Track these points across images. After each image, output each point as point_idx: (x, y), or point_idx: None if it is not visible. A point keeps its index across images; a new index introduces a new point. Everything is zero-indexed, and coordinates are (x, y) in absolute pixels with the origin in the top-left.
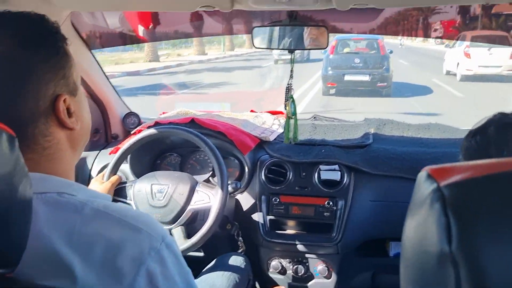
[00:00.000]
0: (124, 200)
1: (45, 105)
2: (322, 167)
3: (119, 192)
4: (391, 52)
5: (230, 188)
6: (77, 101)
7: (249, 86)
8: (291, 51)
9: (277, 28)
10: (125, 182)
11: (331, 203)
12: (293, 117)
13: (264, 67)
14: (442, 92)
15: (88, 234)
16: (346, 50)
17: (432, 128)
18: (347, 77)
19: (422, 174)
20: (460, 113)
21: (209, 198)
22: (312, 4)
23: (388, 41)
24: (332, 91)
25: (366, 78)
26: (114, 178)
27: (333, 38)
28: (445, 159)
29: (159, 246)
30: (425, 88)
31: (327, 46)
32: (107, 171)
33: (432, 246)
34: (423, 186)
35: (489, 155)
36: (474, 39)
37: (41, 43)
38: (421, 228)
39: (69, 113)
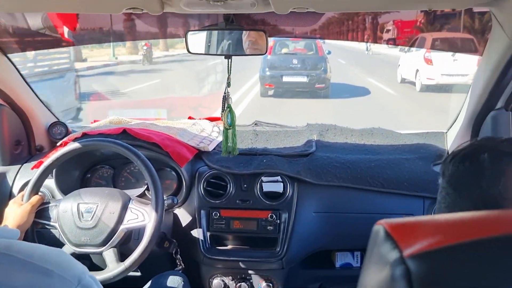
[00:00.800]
0: (47, 222)
1: None
2: (264, 178)
3: (41, 213)
4: (329, 53)
5: (166, 204)
6: None
7: (186, 91)
8: (228, 57)
9: (213, 32)
10: (49, 202)
11: (274, 216)
12: (231, 128)
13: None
14: (378, 92)
15: None
16: (284, 50)
17: (375, 133)
18: (285, 78)
19: (379, 230)
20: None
21: (143, 216)
22: (249, 7)
23: (353, 45)
24: (271, 92)
25: (304, 79)
26: (34, 199)
27: (271, 38)
28: (388, 167)
29: None
30: (363, 89)
31: (266, 51)
32: (26, 190)
33: None
34: (383, 248)
35: (481, 186)
36: (434, 42)
37: None
38: None
39: None
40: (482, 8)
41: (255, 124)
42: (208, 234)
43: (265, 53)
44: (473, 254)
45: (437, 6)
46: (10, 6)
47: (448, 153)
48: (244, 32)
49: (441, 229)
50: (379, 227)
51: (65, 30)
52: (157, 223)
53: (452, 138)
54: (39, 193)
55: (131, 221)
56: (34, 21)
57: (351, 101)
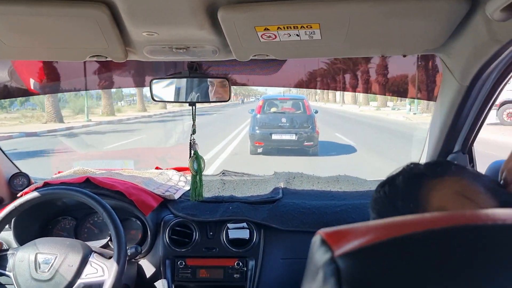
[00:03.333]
0: (2, 271)
1: None
2: (230, 225)
3: None
4: (316, 112)
5: (129, 253)
6: None
7: (153, 142)
8: (192, 104)
9: (178, 80)
10: (7, 250)
11: (241, 263)
12: (197, 173)
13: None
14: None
15: None
16: (273, 109)
17: (341, 180)
18: (274, 136)
19: (316, 239)
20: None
21: (102, 271)
22: (211, 54)
23: (346, 109)
24: (260, 150)
25: (293, 137)
26: None
27: (260, 98)
28: (353, 212)
29: None
30: (350, 147)
31: (229, 99)
32: None
33: None
34: (317, 254)
35: (396, 207)
36: None
37: None
38: None
39: None
40: (431, 53)
41: (223, 173)
42: (173, 284)
43: (227, 100)
44: (397, 250)
45: (388, 52)
46: None
47: None
48: (207, 81)
49: (370, 230)
50: (316, 237)
51: (31, 81)
52: (117, 279)
53: None
54: None
55: (89, 275)
56: (1, 73)
57: (338, 159)
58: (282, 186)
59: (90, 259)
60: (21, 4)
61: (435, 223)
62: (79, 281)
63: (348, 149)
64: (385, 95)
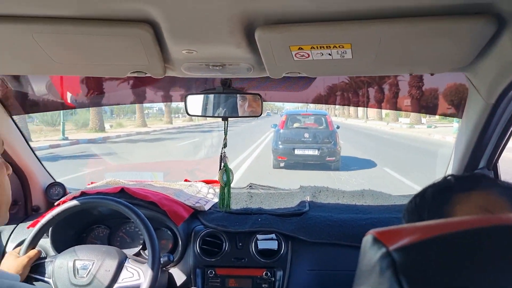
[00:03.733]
0: (41, 277)
1: None
2: (259, 236)
3: (36, 268)
4: (337, 127)
5: (162, 261)
6: None
7: (183, 155)
8: (224, 119)
9: (211, 96)
10: (45, 258)
11: (269, 273)
12: (226, 186)
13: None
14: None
15: None
16: (296, 125)
17: (366, 195)
18: (297, 151)
19: (368, 239)
20: None
21: (138, 275)
22: (246, 72)
23: (372, 125)
24: (282, 164)
25: (315, 152)
26: (32, 252)
27: (283, 113)
28: (379, 225)
29: None
30: (370, 162)
31: (261, 114)
32: (24, 245)
33: None
34: (370, 252)
35: (422, 218)
36: None
37: None
38: None
39: None
40: (458, 72)
41: (250, 186)
42: None
43: (259, 115)
44: (449, 244)
45: (416, 71)
46: (14, 69)
47: None
48: (239, 97)
49: (418, 229)
50: (368, 236)
51: (68, 95)
52: (152, 282)
53: None
54: (36, 248)
55: (126, 279)
56: (39, 87)
57: (359, 173)
58: (308, 200)
59: (125, 264)
60: (71, 24)
61: (472, 223)
62: (116, 286)
63: (368, 164)
64: (411, 111)
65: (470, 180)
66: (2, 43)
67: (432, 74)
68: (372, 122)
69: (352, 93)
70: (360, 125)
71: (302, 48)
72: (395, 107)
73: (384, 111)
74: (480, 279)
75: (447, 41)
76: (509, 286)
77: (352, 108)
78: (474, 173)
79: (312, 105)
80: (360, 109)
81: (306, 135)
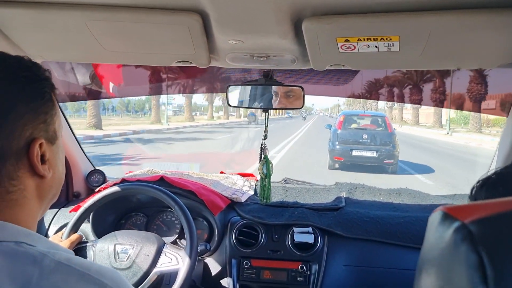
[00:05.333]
0: None
1: (18, 145)
2: (295, 229)
3: (78, 252)
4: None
5: (199, 250)
6: (54, 150)
7: (219, 148)
8: (265, 111)
9: (252, 87)
10: (86, 242)
11: (304, 267)
12: (266, 177)
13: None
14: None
15: (47, 287)
16: (353, 125)
17: (403, 193)
18: (355, 153)
19: (436, 216)
20: None
21: (177, 260)
22: (289, 63)
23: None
24: (337, 165)
25: (373, 154)
26: (74, 236)
27: (340, 113)
28: (418, 224)
29: None
30: (426, 167)
31: (302, 106)
32: (66, 229)
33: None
34: (440, 228)
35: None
36: None
37: (27, 83)
38: (443, 274)
39: (43, 160)
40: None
41: (285, 181)
42: (238, 284)
43: (301, 108)
44: None
45: (463, 66)
46: (64, 56)
47: None
48: (281, 89)
49: (494, 204)
50: (436, 213)
51: (111, 85)
52: (190, 269)
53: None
54: (78, 233)
55: (164, 264)
56: (83, 77)
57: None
58: (344, 196)
59: (164, 249)
60: (124, 11)
61: None
62: (155, 270)
63: (425, 169)
64: (456, 109)
65: None
66: (55, 30)
67: (480, 70)
68: (425, 129)
69: (400, 88)
70: (427, 138)
71: (348, 40)
72: (434, 103)
73: (445, 114)
74: None
75: (498, 34)
76: None
77: (397, 112)
78: None
79: (342, 107)
80: (406, 111)
81: (365, 136)
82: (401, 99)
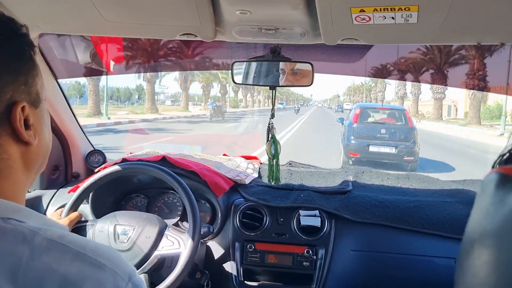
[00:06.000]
0: None
1: None
2: (301, 212)
3: (77, 231)
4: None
5: (202, 232)
6: (38, 114)
7: (221, 130)
8: (272, 88)
9: (258, 64)
10: (86, 221)
11: (310, 251)
12: (274, 158)
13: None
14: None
15: (38, 269)
16: (370, 119)
17: (411, 178)
18: (371, 148)
19: (492, 178)
20: None
21: (178, 244)
22: (299, 37)
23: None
24: (351, 162)
25: (392, 150)
26: (73, 214)
27: (355, 106)
28: (428, 208)
29: (124, 286)
30: (447, 165)
31: (311, 83)
32: (65, 208)
33: None
34: (500, 193)
35: None
36: None
37: (3, 41)
38: (508, 244)
39: (27, 125)
40: None
41: (290, 164)
42: (242, 267)
43: (310, 85)
44: None
45: (485, 40)
46: (63, 27)
47: None
48: (288, 66)
49: None
50: (492, 175)
51: (111, 64)
52: (192, 252)
53: None
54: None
55: (166, 247)
56: (83, 55)
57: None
58: (351, 179)
59: (166, 232)
60: None
61: None
62: (155, 253)
63: (445, 167)
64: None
65: None
66: (54, 0)
67: (503, 44)
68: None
69: (410, 68)
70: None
71: (363, 11)
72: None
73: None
74: None
75: None
76: None
77: (423, 106)
78: None
79: (343, 97)
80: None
81: (383, 131)
82: (431, 80)
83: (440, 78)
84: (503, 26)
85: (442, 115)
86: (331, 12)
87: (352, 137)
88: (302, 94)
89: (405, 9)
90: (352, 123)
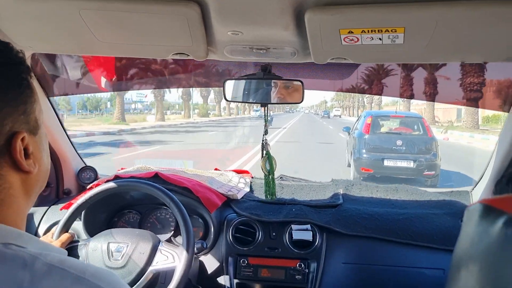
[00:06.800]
0: None
1: None
2: (293, 226)
3: (69, 252)
4: None
5: (196, 247)
6: (37, 141)
7: (213, 144)
8: (264, 105)
9: (250, 81)
10: (77, 241)
11: (302, 265)
12: (270, 174)
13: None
14: None
15: None
16: (384, 129)
17: (400, 190)
18: (387, 162)
19: (476, 208)
20: None
21: (173, 258)
22: (290, 56)
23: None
24: (364, 177)
25: (410, 164)
26: (64, 236)
27: (365, 114)
28: (417, 221)
29: None
30: (465, 177)
31: (302, 101)
32: (57, 228)
33: None
34: (484, 222)
35: None
36: None
37: (1, 72)
38: (491, 271)
39: (27, 154)
40: None
41: (281, 177)
42: (235, 281)
43: (300, 102)
44: None
45: (469, 59)
46: (56, 47)
47: None
48: (279, 84)
49: None
50: (476, 205)
51: (103, 80)
52: (187, 266)
53: (478, 196)
54: (69, 232)
55: (160, 262)
56: (74, 72)
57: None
58: (341, 192)
59: (160, 247)
60: (119, 1)
61: None
62: (150, 268)
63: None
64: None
65: None
66: (47, 19)
67: (485, 63)
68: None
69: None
70: None
71: (352, 32)
72: (433, 98)
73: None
74: None
75: (506, 27)
76: None
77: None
78: None
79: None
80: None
81: (399, 142)
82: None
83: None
84: (485, 47)
85: (478, 123)
86: (320, 33)
87: (364, 150)
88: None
89: (391, 30)
90: (363, 133)
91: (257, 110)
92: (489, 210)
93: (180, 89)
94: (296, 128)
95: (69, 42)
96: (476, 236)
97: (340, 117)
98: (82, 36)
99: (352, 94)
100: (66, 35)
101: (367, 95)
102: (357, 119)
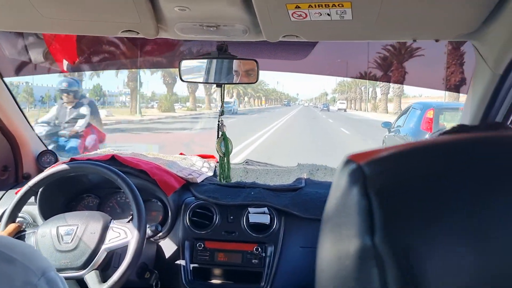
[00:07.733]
0: None
1: None
2: (251, 209)
3: None
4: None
5: (149, 231)
6: None
7: (179, 129)
8: (219, 86)
9: (206, 61)
10: (25, 230)
11: (259, 249)
12: (225, 155)
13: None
14: None
15: None
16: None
17: None
18: None
19: (341, 161)
20: None
21: (125, 234)
22: (241, 34)
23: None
24: None
25: None
26: (10, 227)
27: (421, 106)
28: None
29: (36, 281)
30: None
31: (256, 81)
32: (3, 218)
33: (351, 238)
34: (341, 172)
35: None
36: None
37: None
38: (337, 218)
39: None
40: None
41: (246, 162)
42: (191, 266)
43: (255, 82)
44: (418, 157)
45: (420, 37)
46: (9, 24)
47: None
48: (235, 63)
49: (393, 147)
50: (342, 160)
51: (65, 63)
52: (140, 239)
53: None
54: (18, 220)
55: (113, 240)
56: (36, 55)
57: None
58: (305, 177)
59: (111, 225)
60: None
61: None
62: (103, 247)
63: None
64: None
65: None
66: None
67: (437, 41)
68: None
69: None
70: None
71: (299, 7)
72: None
73: None
74: (459, 189)
75: (453, 3)
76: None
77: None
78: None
79: (329, 90)
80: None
81: None
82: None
83: None
84: (437, 23)
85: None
86: (268, 8)
87: None
88: (287, 93)
89: (338, 5)
90: (422, 131)
91: (229, 104)
92: (347, 161)
93: (124, 74)
94: (290, 128)
95: (11, 18)
96: (332, 191)
97: (345, 111)
98: (25, 12)
99: (359, 83)
100: (7, 10)
101: (381, 84)
102: (403, 112)
